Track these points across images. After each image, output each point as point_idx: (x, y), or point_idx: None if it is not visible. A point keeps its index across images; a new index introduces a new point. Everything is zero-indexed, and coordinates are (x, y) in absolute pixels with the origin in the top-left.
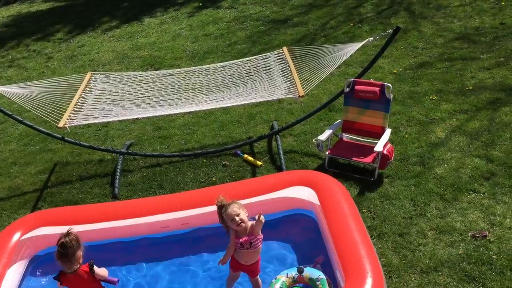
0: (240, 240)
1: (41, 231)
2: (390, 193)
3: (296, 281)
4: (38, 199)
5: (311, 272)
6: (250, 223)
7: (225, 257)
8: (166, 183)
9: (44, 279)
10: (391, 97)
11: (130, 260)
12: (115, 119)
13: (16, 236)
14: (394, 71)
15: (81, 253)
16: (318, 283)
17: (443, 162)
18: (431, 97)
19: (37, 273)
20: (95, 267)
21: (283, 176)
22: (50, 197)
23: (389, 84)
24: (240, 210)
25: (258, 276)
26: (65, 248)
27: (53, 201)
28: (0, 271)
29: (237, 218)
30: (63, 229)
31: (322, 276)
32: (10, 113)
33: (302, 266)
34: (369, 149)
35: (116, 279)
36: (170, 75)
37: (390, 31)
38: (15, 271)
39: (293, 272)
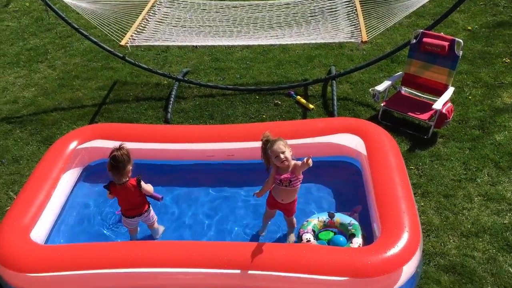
0: (281, 177)
1: (96, 143)
2: (442, 154)
3: (327, 225)
4: (96, 114)
5: (342, 217)
6: (293, 162)
7: (261, 190)
8: (217, 114)
9: (95, 188)
10: (460, 54)
11: (173, 183)
12: (175, 44)
13: (73, 145)
14: (469, 27)
15: (131, 168)
16: (350, 227)
17: (505, 129)
18: (504, 60)
19: (89, 181)
20: (142, 182)
21: (333, 121)
22: (107, 112)
23: (460, 40)
24: (285, 148)
25: (293, 216)
26: (116, 161)
27: (109, 116)
28: (56, 175)
29: (282, 156)
30: (116, 143)
31: (354, 221)
32: (77, 27)
33: (333, 211)
34: (427, 106)
35: (160, 196)
36: (234, 7)
37: None
38: (70, 177)
39: (324, 217)
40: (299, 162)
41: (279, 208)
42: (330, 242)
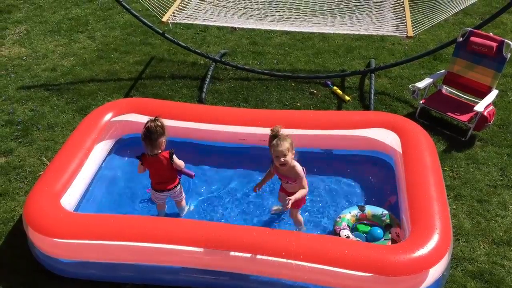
0: (278, 174)
1: (131, 117)
2: (479, 157)
3: (359, 219)
4: (131, 88)
5: (373, 209)
6: (293, 164)
7: (260, 183)
8: (251, 98)
9: (126, 161)
10: (508, 56)
11: (202, 163)
12: (215, 24)
13: (108, 117)
14: None
15: (164, 140)
16: (383, 218)
17: None
18: None
19: (121, 154)
20: (174, 156)
21: (369, 115)
22: (142, 87)
23: (510, 42)
24: (288, 152)
25: (299, 214)
26: (150, 131)
27: (144, 92)
28: (89, 145)
29: (281, 159)
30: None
31: (386, 212)
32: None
33: (362, 204)
34: (468, 107)
35: (193, 173)
36: None
37: None
38: (102, 148)
39: (355, 211)
40: (299, 169)
41: (285, 193)
42: (367, 234)
